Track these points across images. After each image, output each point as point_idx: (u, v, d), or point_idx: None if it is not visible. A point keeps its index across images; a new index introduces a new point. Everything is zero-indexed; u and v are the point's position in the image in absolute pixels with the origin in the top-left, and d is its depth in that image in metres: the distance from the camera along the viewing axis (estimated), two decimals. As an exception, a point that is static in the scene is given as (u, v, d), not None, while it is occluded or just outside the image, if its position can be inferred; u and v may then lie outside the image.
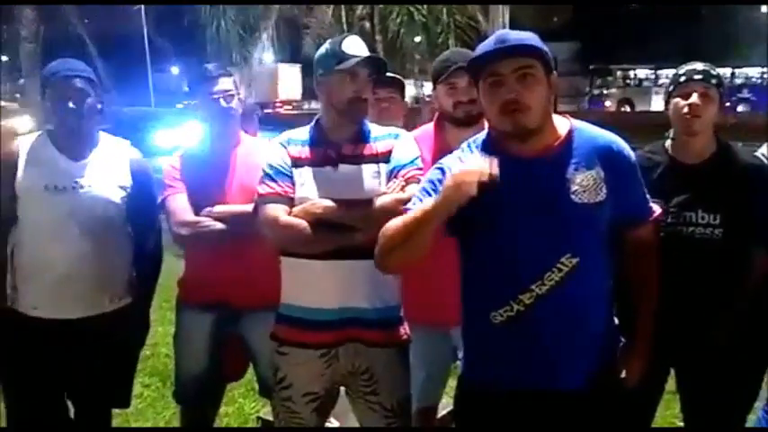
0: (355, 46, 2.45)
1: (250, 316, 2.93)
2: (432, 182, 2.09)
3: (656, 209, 2.22)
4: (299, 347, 2.47)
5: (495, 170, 1.89)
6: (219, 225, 2.85)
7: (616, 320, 2.21)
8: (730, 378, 2.64)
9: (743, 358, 2.64)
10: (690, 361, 2.69)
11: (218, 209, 2.88)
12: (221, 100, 2.94)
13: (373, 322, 2.44)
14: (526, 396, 2.07)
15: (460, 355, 2.28)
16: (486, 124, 2.18)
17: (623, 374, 2.18)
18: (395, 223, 2.06)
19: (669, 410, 3.35)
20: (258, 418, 3.77)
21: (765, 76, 27.90)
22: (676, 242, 2.52)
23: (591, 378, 2.06)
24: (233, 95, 2.98)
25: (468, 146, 2.15)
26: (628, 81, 31.51)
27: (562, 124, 2.09)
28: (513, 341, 2.05)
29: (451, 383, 2.82)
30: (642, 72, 31.13)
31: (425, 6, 13.65)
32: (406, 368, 2.55)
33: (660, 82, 27.36)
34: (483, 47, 2.04)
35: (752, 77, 28.06)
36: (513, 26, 11.72)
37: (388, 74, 3.63)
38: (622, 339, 2.23)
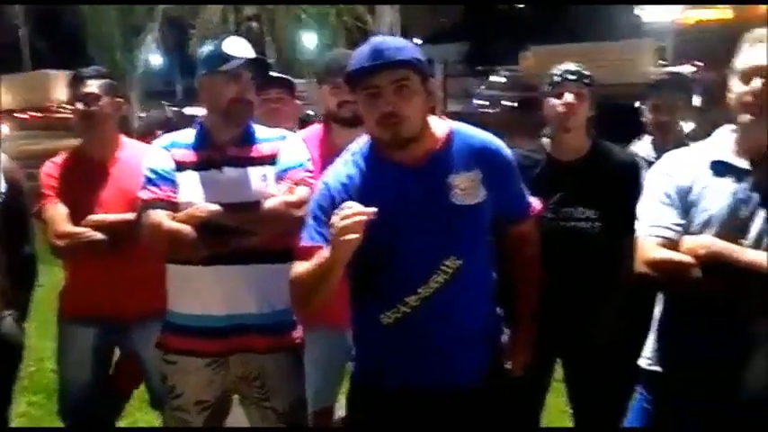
0: (237, 47, 2.42)
1: (138, 327, 2.86)
2: (321, 207, 2.08)
3: (536, 204, 2.30)
4: (187, 356, 2.42)
5: (373, 209, 1.89)
6: (98, 235, 2.75)
7: (501, 312, 2.27)
8: (611, 366, 2.76)
9: (622, 346, 2.77)
10: (573, 350, 2.81)
11: (96, 218, 2.78)
12: (83, 104, 2.85)
13: (263, 328, 2.42)
14: (415, 394, 2.10)
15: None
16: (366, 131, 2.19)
17: (509, 365, 2.25)
18: (300, 275, 2.05)
19: (561, 398, 3.46)
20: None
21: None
22: (557, 236, 2.61)
23: (478, 373, 2.11)
24: (98, 98, 2.88)
25: (353, 155, 2.15)
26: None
27: (440, 128, 2.12)
28: (402, 341, 2.08)
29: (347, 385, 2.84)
30: None
31: (315, 8, 13.68)
32: (298, 372, 2.53)
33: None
34: (358, 58, 2.02)
35: None
36: (402, 28, 11.87)
37: (278, 74, 3.62)
38: (507, 331, 2.29)
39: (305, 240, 2.09)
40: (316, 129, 2.96)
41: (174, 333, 2.44)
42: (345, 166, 2.13)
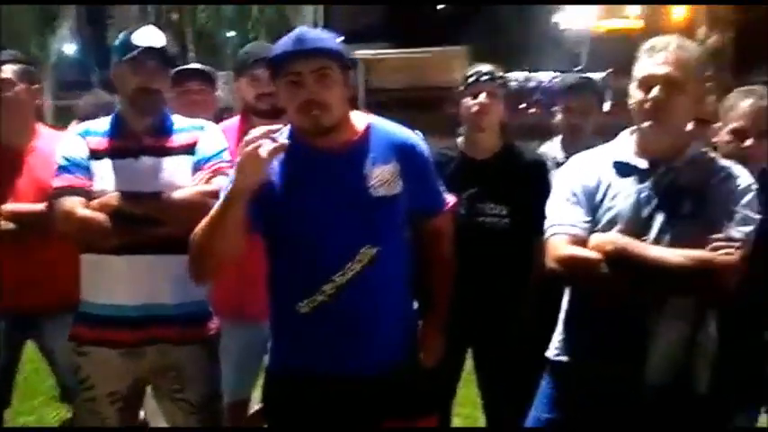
0: (145, 36, 2.40)
1: (48, 320, 2.79)
2: None
3: (451, 199, 2.37)
4: (99, 346, 2.39)
5: (283, 138, 1.92)
6: (10, 225, 2.68)
7: (416, 304, 2.33)
8: (520, 356, 2.86)
9: (531, 338, 2.88)
10: (484, 341, 2.92)
11: (7, 207, 2.70)
12: None
13: (177, 319, 2.40)
14: (331, 382, 2.13)
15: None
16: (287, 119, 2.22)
17: (422, 355, 2.31)
18: (200, 226, 2.05)
19: (470, 389, 3.55)
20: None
21: (555, 80, 30.25)
22: (470, 231, 2.69)
23: (393, 361, 2.15)
24: (13, 84, 2.80)
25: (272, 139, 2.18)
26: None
27: (360, 120, 2.17)
28: (318, 329, 2.11)
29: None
30: None
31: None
32: (214, 363, 2.52)
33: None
34: (281, 45, 2.06)
35: (542, 81, 30.38)
36: (326, 26, 11.89)
37: (198, 66, 3.60)
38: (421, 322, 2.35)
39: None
40: (234, 121, 2.96)
41: (88, 324, 2.40)
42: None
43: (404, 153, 2.15)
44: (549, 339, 2.39)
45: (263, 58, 2.70)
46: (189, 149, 2.45)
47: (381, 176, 2.10)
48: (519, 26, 31.25)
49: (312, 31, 2.11)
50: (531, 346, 2.90)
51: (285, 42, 2.06)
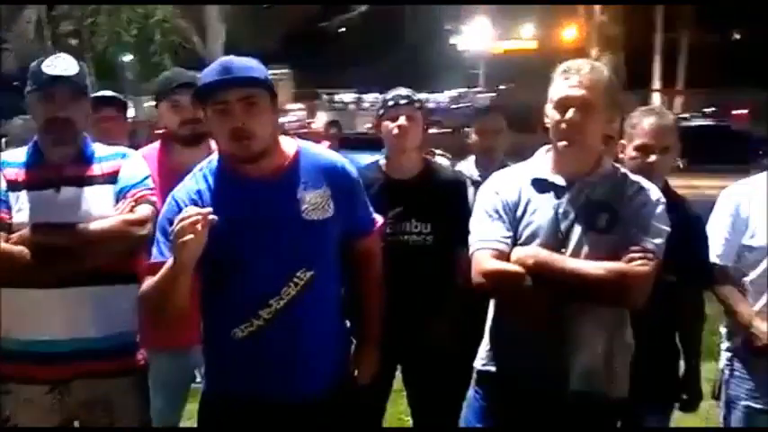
0: (56, 65, 2.34)
1: None
2: (170, 221, 2.05)
3: (379, 220, 2.42)
4: (26, 383, 2.31)
5: (209, 209, 1.93)
6: None
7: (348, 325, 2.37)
8: (447, 370, 2.94)
9: (457, 351, 2.95)
10: (412, 357, 2.98)
11: None
12: None
13: (106, 352, 2.35)
14: (267, 409, 2.13)
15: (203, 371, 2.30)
16: (216, 147, 2.22)
17: (356, 374, 2.34)
18: (148, 289, 2.05)
19: (395, 408, 3.61)
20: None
21: (453, 100, 31.22)
22: (395, 250, 2.75)
23: (328, 385, 2.18)
24: None
25: (201, 170, 2.18)
26: (334, 104, 33.16)
27: (289, 146, 2.20)
28: (255, 355, 2.11)
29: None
30: (348, 96, 33.10)
31: (133, 25, 13.29)
32: (143, 394, 2.48)
33: (364, 105, 29.35)
34: (208, 74, 2.07)
35: (440, 102, 31.20)
36: (228, 48, 11.81)
37: (109, 93, 3.54)
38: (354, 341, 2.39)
39: (155, 257, 2.08)
40: (154, 147, 2.92)
41: (11, 360, 2.31)
42: (196, 182, 2.15)
43: (333, 177, 2.19)
44: (473, 351, 2.46)
45: (185, 83, 2.71)
46: (111, 178, 2.41)
47: (313, 201, 2.13)
48: (417, 49, 31.94)
49: (238, 60, 2.12)
50: (456, 359, 3.00)
51: (212, 71, 2.07)
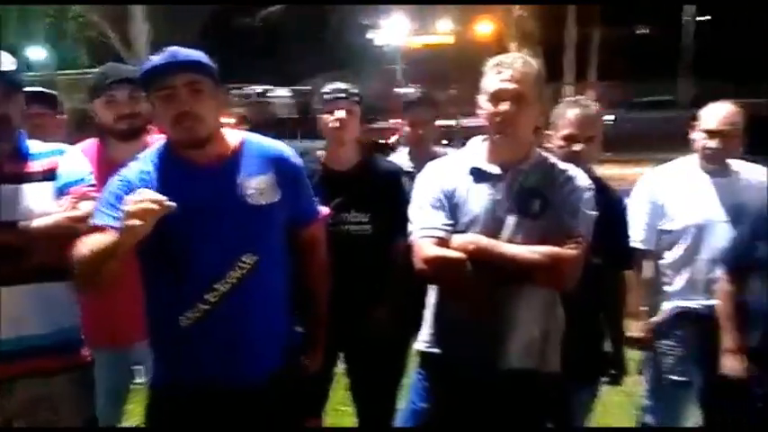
0: None
1: None
2: (117, 195, 2.09)
3: (323, 209, 2.49)
4: None
5: (165, 198, 1.95)
6: None
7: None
8: (387, 356, 3.05)
9: (396, 338, 3.05)
10: (353, 344, 3.06)
11: None
12: None
13: (51, 348, 2.34)
14: (212, 396, 2.17)
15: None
16: (161, 133, 2.25)
17: (305, 359, 2.40)
18: (85, 253, 2.05)
19: (333, 398, 3.66)
20: None
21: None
22: (336, 239, 2.82)
23: (274, 371, 2.23)
24: None
25: (147, 155, 2.21)
26: (246, 99, 32.92)
27: (234, 136, 2.25)
28: (201, 341, 2.15)
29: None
30: (260, 89, 32.95)
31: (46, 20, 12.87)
32: (89, 391, 2.47)
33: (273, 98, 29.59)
34: (154, 60, 2.12)
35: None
36: (155, 43, 11.57)
37: (39, 89, 3.47)
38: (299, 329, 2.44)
39: (94, 219, 2.12)
40: (90, 143, 2.90)
41: None
42: (143, 164, 2.18)
43: (278, 165, 2.25)
44: (413, 339, 2.56)
45: (121, 79, 2.71)
46: (49, 175, 2.39)
47: (258, 186, 2.18)
48: (336, 44, 31.94)
49: (183, 49, 2.17)
50: (397, 346, 3.10)
51: (158, 57, 2.12)
